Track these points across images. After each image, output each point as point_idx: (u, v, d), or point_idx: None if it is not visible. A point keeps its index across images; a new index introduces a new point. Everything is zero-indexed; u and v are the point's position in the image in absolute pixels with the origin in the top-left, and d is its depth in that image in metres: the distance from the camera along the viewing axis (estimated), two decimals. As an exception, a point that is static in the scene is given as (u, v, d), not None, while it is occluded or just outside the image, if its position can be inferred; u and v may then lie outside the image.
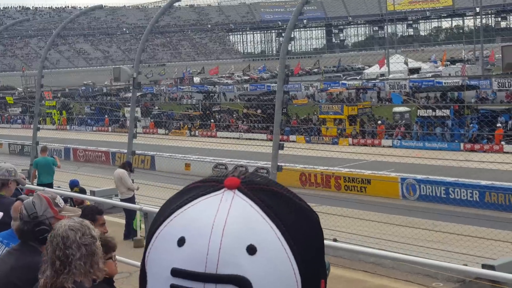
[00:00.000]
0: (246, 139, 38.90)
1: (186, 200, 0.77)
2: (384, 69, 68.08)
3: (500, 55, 17.94)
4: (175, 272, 0.74)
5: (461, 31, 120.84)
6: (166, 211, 0.78)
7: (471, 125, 34.96)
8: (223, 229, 0.73)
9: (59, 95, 65.56)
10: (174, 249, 0.75)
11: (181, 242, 0.74)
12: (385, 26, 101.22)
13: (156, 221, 0.79)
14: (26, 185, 10.32)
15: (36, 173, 16.62)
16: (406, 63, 67.79)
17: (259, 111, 44.36)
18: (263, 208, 0.76)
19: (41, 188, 11.60)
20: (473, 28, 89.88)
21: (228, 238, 0.73)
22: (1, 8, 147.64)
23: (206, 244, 0.73)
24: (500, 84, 49.53)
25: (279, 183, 0.82)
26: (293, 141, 36.90)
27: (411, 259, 8.59)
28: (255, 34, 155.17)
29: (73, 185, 14.38)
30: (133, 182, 15.44)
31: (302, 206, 0.81)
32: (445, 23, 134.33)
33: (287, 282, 0.74)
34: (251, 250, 0.73)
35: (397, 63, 66.87)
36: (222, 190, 0.77)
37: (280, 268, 0.74)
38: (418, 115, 37.57)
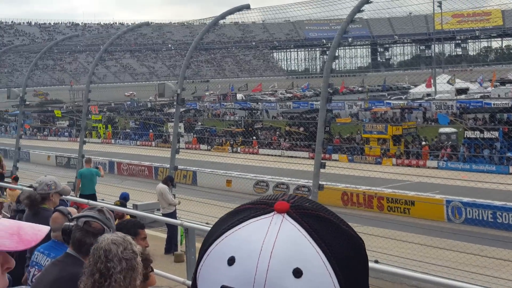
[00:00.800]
0: (288, 156, 38.79)
1: (237, 221, 0.80)
2: (431, 88, 67.26)
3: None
4: None
5: (511, 51, 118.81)
6: (218, 231, 0.81)
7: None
8: (271, 252, 0.76)
9: (105, 109, 66.59)
10: (224, 267, 0.78)
11: (231, 261, 0.78)
12: (432, 45, 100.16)
13: (208, 239, 0.82)
14: (70, 197, 10.41)
15: (80, 184, 16.96)
16: (450, 83, 66.76)
17: (301, 129, 44.23)
18: (310, 233, 0.78)
19: (86, 201, 11.70)
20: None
21: (275, 260, 0.76)
22: (52, 24, 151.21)
23: (255, 265, 0.76)
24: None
25: (327, 208, 0.83)
26: (335, 160, 36.60)
27: (455, 284, 8.33)
28: (299, 52, 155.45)
29: (121, 197, 14.55)
30: (174, 197, 15.55)
31: (349, 232, 0.82)
32: (495, 43, 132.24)
33: None
34: (297, 273, 0.76)
35: (444, 83, 65.97)
36: (272, 214, 0.80)
37: None
38: (465, 136, 36.88)
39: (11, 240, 1.16)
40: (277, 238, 0.77)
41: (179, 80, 16.35)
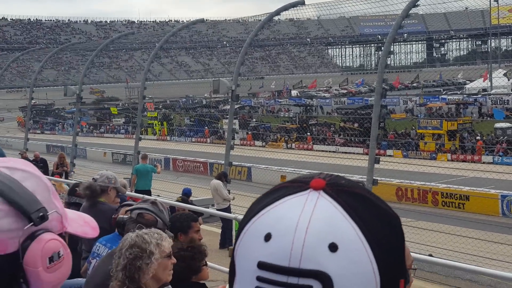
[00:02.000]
0: (342, 152, 38.75)
1: (274, 199, 0.83)
2: (487, 84, 66.03)
3: None
4: (262, 265, 0.81)
5: None
6: (255, 209, 0.85)
7: None
8: (307, 227, 0.79)
9: (160, 106, 67.48)
10: (261, 244, 0.81)
11: (267, 237, 0.80)
12: (489, 40, 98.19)
13: (246, 217, 0.86)
14: (127, 192, 10.62)
15: (135, 180, 17.20)
16: (508, 77, 65.40)
17: (356, 124, 44.06)
18: (346, 209, 0.81)
19: (141, 196, 11.93)
20: None
21: (311, 235, 0.78)
22: (108, 22, 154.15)
23: (291, 241, 0.78)
24: None
25: (363, 186, 0.87)
26: (390, 156, 36.43)
27: (510, 275, 8.40)
28: (354, 48, 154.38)
29: (183, 193, 14.65)
30: (229, 192, 15.70)
31: (385, 209, 0.85)
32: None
33: (366, 280, 0.79)
34: (333, 247, 0.78)
35: (500, 78, 64.67)
36: (308, 191, 0.83)
37: (360, 266, 0.78)
38: (521, 131, 36.26)
39: (88, 228, 1.24)
40: (312, 214, 0.79)
41: (234, 76, 16.57)
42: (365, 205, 0.83)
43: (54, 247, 1.15)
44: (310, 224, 0.79)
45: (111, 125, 64.96)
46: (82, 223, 1.23)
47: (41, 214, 1.13)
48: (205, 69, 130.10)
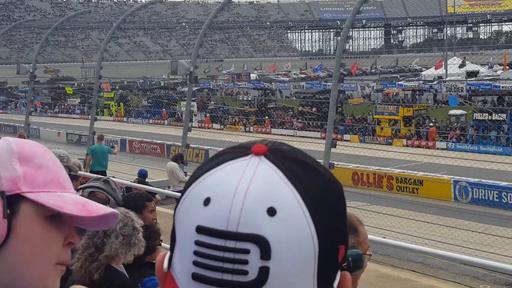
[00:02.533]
0: (300, 136, 38.96)
1: (215, 164, 0.83)
2: (442, 71, 67.13)
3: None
4: (200, 229, 0.80)
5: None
6: (197, 174, 0.84)
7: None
8: (246, 191, 0.78)
9: (117, 87, 66.78)
10: (200, 208, 0.80)
11: (207, 202, 0.80)
12: (445, 28, 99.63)
13: (188, 183, 0.85)
14: (81, 173, 10.48)
15: (91, 161, 16.93)
16: (462, 65, 66.64)
17: (314, 109, 44.37)
18: (287, 174, 0.80)
19: (95, 176, 11.81)
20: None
21: (250, 199, 0.78)
22: (64, 0, 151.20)
23: (229, 204, 0.78)
24: (560, 90, 48.23)
25: (305, 153, 0.86)
26: (347, 140, 36.79)
27: (459, 257, 8.61)
28: (313, 33, 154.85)
29: (139, 174, 14.50)
30: (185, 175, 15.65)
31: (326, 175, 0.84)
32: (506, 27, 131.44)
33: (304, 244, 0.79)
34: (271, 212, 0.77)
35: (454, 65, 65.88)
36: (249, 156, 0.82)
37: (298, 231, 0.78)
38: (474, 118, 37.00)
39: (74, 206, 1.18)
40: (252, 179, 0.79)
41: (192, 58, 16.48)
42: (306, 171, 0.82)
43: None
44: (249, 188, 0.78)
45: (66, 105, 64.02)
46: (69, 201, 1.18)
47: None
48: (163, 50, 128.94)
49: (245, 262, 0.77)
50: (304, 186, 0.80)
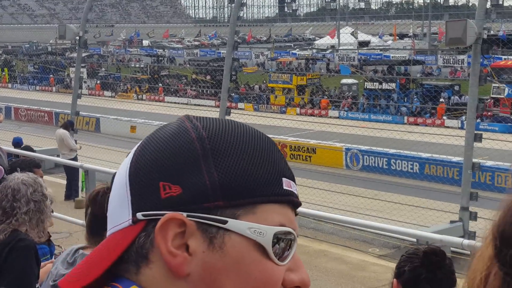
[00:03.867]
0: (194, 104, 38.72)
1: None
2: (335, 40, 68.45)
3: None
4: None
5: (410, 6, 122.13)
6: None
7: (415, 99, 35.66)
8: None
9: (1, 51, 63.76)
10: None
11: None
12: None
13: None
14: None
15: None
16: (354, 35, 68.30)
17: (208, 77, 44.14)
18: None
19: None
20: (422, 4, 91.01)
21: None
22: None
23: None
24: (445, 61, 50.41)
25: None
26: (241, 109, 36.87)
27: (351, 220, 8.81)
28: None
29: (13, 142, 13.98)
30: (76, 142, 15.22)
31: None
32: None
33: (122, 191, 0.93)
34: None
35: (346, 34, 67.36)
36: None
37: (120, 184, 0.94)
38: (365, 87, 38.02)
39: None
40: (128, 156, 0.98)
41: (81, 22, 15.86)
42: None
43: None
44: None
45: None
46: None
47: None
48: (50, 14, 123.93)
49: None
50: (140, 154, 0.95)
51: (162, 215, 0.87)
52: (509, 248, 0.52)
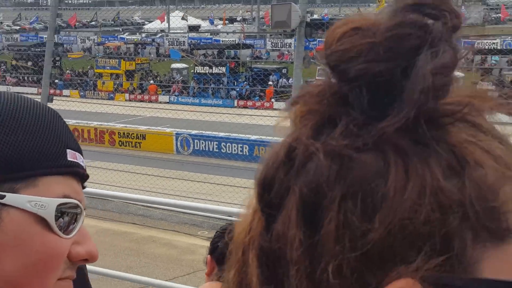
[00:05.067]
0: (15, 92, 36.70)
1: None
2: (164, 25, 67.88)
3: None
4: None
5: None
6: None
7: (245, 82, 36.30)
8: None
9: None
10: None
11: None
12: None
13: None
14: None
15: None
16: (184, 19, 68.24)
17: (30, 63, 42.09)
18: None
19: None
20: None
21: None
22: None
23: None
24: (273, 44, 51.80)
25: None
26: (66, 96, 35.50)
27: (180, 203, 8.68)
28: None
29: None
30: None
31: None
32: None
33: None
34: None
35: (176, 18, 67.10)
36: None
37: None
38: (195, 71, 38.07)
39: None
40: None
41: None
42: None
43: None
44: None
45: None
46: None
47: None
48: None
49: None
50: None
51: None
52: (270, 191, 0.54)
